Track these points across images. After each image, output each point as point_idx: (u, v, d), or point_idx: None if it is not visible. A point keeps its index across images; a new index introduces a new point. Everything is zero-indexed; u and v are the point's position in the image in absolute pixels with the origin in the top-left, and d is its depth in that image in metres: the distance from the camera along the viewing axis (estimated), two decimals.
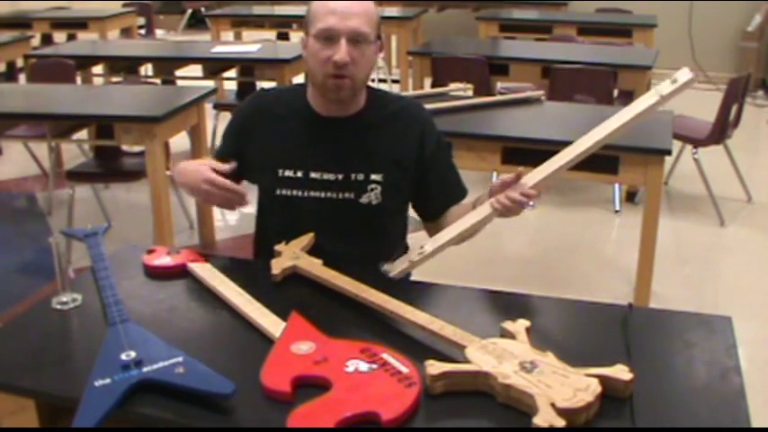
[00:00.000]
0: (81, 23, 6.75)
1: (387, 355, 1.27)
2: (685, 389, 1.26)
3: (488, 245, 3.70)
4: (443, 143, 1.91)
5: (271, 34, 7.04)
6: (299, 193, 1.80)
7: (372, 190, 1.79)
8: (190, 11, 10.65)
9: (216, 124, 4.94)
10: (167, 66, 5.01)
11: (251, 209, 1.92)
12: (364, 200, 1.79)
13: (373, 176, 1.79)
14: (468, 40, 5.77)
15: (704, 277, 3.51)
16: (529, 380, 1.20)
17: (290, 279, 1.63)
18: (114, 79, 5.23)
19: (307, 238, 1.74)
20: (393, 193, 1.82)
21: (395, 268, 1.70)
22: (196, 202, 3.77)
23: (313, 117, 1.82)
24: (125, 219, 4.08)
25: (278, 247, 1.71)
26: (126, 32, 7.24)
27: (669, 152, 2.85)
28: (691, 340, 1.41)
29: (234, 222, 4.17)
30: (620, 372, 1.22)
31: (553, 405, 1.14)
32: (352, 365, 1.26)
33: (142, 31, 8.05)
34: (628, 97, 4.38)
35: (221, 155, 1.88)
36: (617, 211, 4.21)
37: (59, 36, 7.19)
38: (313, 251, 1.71)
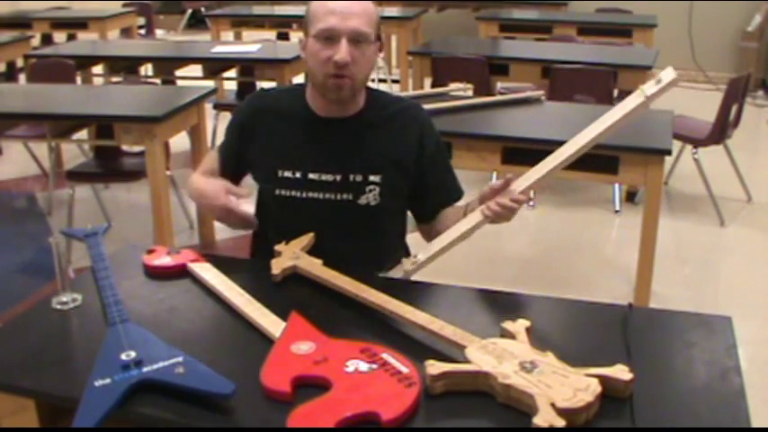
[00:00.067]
0: (81, 23, 6.75)
1: (387, 355, 1.27)
2: (685, 389, 1.26)
3: (488, 245, 3.70)
4: (442, 145, 1.91)
5: (271, 34, 7.03)
6: (298, 194, 1.80)
7: (371, 191, 1.79)
8: (190, 11, 10.66)
9: (216, 124, 4.94)
10: (167, 66, 5.01)
11: (251, 209, 1.92)
12: (363, 201, 1.79)
13: (372, 177, 1.79)
14: (468, 40, 5.77)
15: (704, 277, 3.51)
16: (529, 380, 1.20)
17: (290, 279, 1.63)
18: (114, 79, 5.24)
19: (307, 238, 1.74)
20: (392, 194, 1.82)
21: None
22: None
23: (312, 118, 1.82)
24: (125, 219, 4.08)
25: (278, 247, 1.70)
26: (126, 32, 7.25)
27: (669, 152, 2.85)
28: (691, 340, 1.41)
29: None
30: (620, 372, 1.22)
31: (553, 405, 1.14)
32: (352, 365, 1.25)
33: (142, 31, 8.05)
34: None
35: (223, 152, 1.91)
36: (617, 211, 4.21)
37: (59, 36, 7.19)
38: (313, 251, 1.70)
